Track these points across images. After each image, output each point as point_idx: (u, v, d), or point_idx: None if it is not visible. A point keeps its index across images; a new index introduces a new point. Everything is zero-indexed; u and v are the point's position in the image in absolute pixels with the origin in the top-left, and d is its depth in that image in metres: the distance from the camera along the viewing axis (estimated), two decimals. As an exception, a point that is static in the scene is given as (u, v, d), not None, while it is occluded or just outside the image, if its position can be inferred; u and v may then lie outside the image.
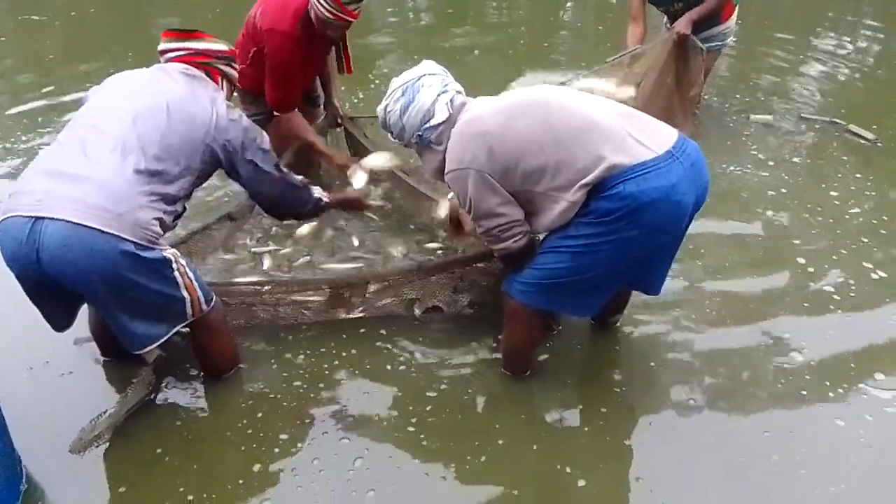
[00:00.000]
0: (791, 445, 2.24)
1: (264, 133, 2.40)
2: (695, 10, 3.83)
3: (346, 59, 3.30)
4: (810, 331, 2.74)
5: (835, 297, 2.92)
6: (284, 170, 2.47)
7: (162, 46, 2.37)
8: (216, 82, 2.40)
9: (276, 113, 3.14)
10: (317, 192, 2.60)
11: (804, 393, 2.45)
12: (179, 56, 2.35)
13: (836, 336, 2.71)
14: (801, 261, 3.15)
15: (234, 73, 2.51)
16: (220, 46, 2.42)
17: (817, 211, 3.55)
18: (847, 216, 3.52)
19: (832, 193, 3.73)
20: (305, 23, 2.91)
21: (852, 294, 2.93)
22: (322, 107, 3.52)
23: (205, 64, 2.37)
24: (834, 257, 3.18)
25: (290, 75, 3.04)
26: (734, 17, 4.08)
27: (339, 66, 3.30)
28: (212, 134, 2.18)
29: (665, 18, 4.27)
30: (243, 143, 2.27)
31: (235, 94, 2.78)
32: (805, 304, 2.89)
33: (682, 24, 3.78)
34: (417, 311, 2.73)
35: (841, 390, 2.46)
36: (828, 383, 2.48)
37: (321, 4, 2.79)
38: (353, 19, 2.88)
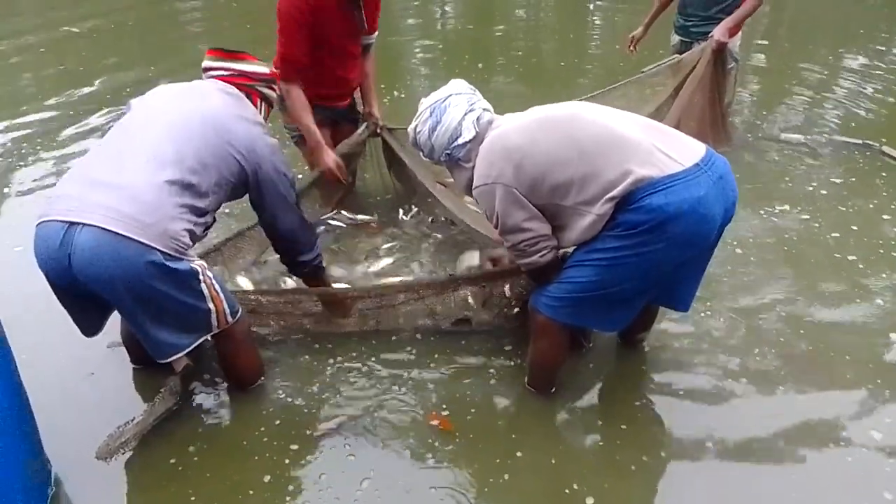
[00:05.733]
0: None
1: (290, 168, 2.42)
2: (729, 17, 3.73)
3: (369, 15, 3.11)
4: (866, 381, 2.50)
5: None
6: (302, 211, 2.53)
7: (206, 64, 2.43)
8: (255, 104, 2.44)
9: (274, 73, 2.97)
10: (319, 247, 2.63)
11: (849, 458, 2.19)
12: (223, 76, 2.40)
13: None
14: (868, 293, 2.97)
15: (274, 95, 2.55)
16: (263, 69, 2.47)
17: (869, 236, 3.40)
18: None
19: (885, 217, 3.56)
20: None
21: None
22: (361, 118, 3.52)
23: (246, 86, 2.42)
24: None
25: (291, 29, 2.86)
26: (738, 38, 3.97)
27: (359, 23, 3.12)
28: (245, 155, 2.21)
29: (674, 38, 4.23)
30: (274, 168, 2.31)
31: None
32: (871, 347, 2.66)
33: (720, 32, 3.68)
34: (447, 324, 2.74)
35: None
36: (882, 454, 2.21)
37: None
38: None
